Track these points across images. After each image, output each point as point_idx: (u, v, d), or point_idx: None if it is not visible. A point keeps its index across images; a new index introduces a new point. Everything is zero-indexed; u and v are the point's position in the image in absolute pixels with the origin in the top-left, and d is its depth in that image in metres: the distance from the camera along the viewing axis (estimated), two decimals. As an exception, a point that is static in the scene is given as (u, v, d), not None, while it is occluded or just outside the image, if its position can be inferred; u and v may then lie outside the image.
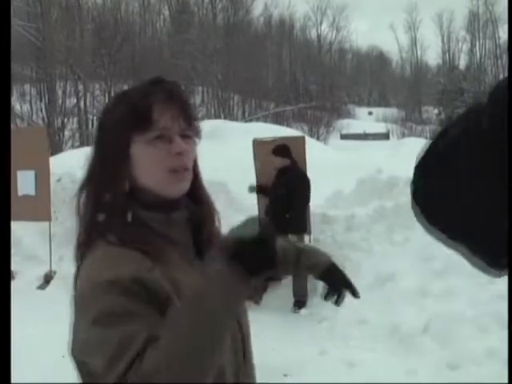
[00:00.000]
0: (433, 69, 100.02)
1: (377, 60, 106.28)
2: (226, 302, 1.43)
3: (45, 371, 6.13)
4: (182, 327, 1.40)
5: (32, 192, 10.08)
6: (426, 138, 52.97)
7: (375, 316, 7.20)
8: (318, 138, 49.82)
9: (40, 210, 10.01)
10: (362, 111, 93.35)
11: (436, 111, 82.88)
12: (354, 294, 2.18)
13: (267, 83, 72.30)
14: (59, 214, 10.99)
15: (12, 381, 2.86)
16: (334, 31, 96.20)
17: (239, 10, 74.97)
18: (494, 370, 5.49)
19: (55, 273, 9.96)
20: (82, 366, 1.68)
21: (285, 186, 8.44)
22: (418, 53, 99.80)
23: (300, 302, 8.40)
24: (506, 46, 67.59)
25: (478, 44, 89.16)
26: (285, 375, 6.06)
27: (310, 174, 9.14)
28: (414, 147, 13.65)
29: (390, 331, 6.83)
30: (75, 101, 49.25)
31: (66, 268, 10.04)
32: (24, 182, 10.02)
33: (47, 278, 9.89)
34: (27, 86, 54.72)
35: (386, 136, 67.44)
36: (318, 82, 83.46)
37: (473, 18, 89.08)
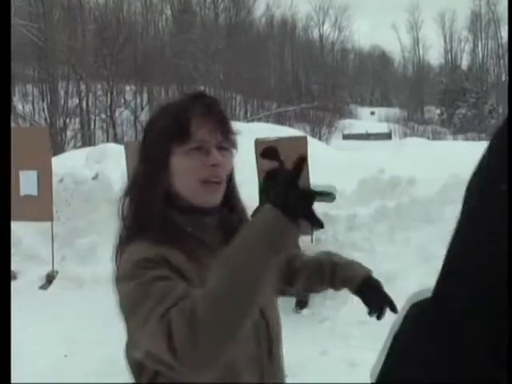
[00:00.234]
0: (435, 69, 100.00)
1: (379, 60, 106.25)
2: (268, 239, 1.45)
3: (46, 371, 6.14)
4: (228, 264, 1.47)
5: (34, 192, 10.08)
6: (428, 138, 52.99)
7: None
8: (320, 138, 49.81)
9: (42, 210, 10.01)
10: (364, 111, 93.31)
11: (438, 111, 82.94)
12: (393, 309, 2.16)
13: (269, 83, 72.33)
14: (61, 214, 11.00)
15: (12, 381, 2.86)
16: (336, 31, 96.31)
17: (241, 10, 74.96)
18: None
19: (57, 273, 9.96)
20: (135, 363, 1.86)
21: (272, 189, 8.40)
22: (420, 52, 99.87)
23: (302, 302, 8.40)
24: (508, 46, 67.71)
25: (480, 44, 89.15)
26: (286, 375, 6.06)
27: (312, 174, 9.13)
28: (416, 147, 13.67)
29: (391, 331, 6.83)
30: (77, 101, 49.32)
31: (68, 268, 10.06)
32: (26, 182, 10.03)
33: (49, 278, 9.90)
34: (29, 86, 54.80)
35: (388, 136, 67.39)
36: (320, 82, 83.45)
37: (475, 17, 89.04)
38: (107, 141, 41.99)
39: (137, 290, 1.61)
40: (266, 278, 1.47)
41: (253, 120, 53.47)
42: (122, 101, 57.00)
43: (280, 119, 62.36)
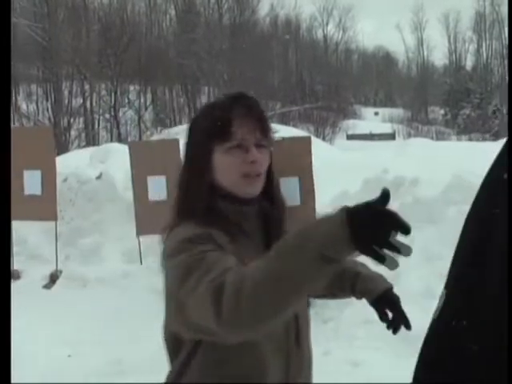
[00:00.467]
0: (439, 69, 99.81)
1: (383, 60, 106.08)
2: (324, 245, 1.49)
3: (49, 371, 6.15)
4: (285, 254, 1.56)
5: (38, 192, 10.09)
6: (432, 138, 52.90)
7: (380, 316, 7.19)
8: (324, 139, 49.76)
9: (46, 209, 10.02)
10: (368, 111, 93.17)
11: (442, 112, 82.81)
12: (407, 325, 2.26)
13: (273, 83, 72.29)
14: (65, 214, 11.01)
15: (17, 381, 2.86)
16: (341, 32, 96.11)
17: (245, 10, 74.91)
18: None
19: (61, 272, 9.97)
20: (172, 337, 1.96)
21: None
22: (425, 53, 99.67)
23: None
24: (508, 46, 67.54)
25: (484, 44, 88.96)
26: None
27: (315, 174, 9.12)
28: (420, 148, 13.65)
29: (395, 332, 6.82)
30: (81, 101, 49.32)
31: (72, 267, 10.07)
32: (30, 182, 10.04)
33: (53, 278, 9.90)
34: (33, 86, 54.84)
35: (392, 136, 67.28)
36: (324, 82, 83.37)
37: (479, 18, 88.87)
38: (111, 140, 42.05)
39: (187, 261, 1.76)
40: (312, 281, 1.56)
41: (257, 120, 53.27)
42: (126, 100, 56.96)
43: (284, 119, 62.29)
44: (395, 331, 2.26)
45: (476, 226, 1.11)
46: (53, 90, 50.00)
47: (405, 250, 1.59)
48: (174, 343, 1.99)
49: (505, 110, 69.30)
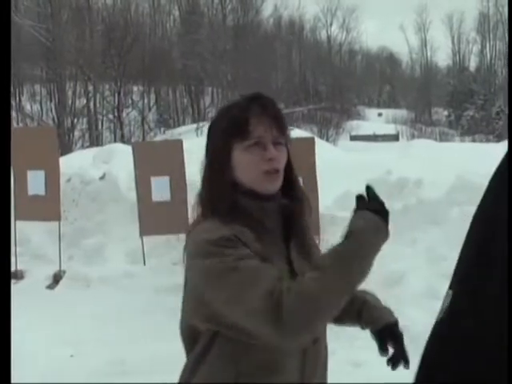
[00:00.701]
0: (443, 70, 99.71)
1: (386, 61, 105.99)
2: (376, 243, 1.97)
3: (52, 371, 6.15)
4: (343, 254, 1.88)
5: (41, 192, 10.10)
6: (436, 139, 52.80)
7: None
8: (327, 140, 49.73)
9: (49, 209, 10.03)
10: (372, 112, 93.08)
11: (446, 113, 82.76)
12: (406, 363, 2.29)
13: (277, 84, 72.28)
14: (69, 214, 11.02)
15: (21, 380, 2.87)
16: (344, 32, 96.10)
17: (249, 10, 74.94)
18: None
19: (64, 272, 9.98)
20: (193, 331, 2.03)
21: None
22: (428, 54, 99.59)
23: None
24: (508, 46, 67.45)
25: (488, 45, 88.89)
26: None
27: (319, 175, 9.12)
28: (424, 149, 13.62)
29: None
30: (85, 101, 49.37)
31: (75, 268, 10.07)
32: (34, 182, 10.04)
33: (56, 278, 9.91)
34: (37, 87, 54.93)
35: (395, 137, 67.19)
36: (327, 83, 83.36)
37: (483, 19, 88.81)
38: (114, 141, 42.04)
39: (219, 267, 1.85)
40: (362, 281, 1.90)
41: (260, 121, 53.22)
42: (130, 101, 57.03)
43: (287, 120, 62.14)
44: (394, 367, 2.28)
45: (482, 227, 1.12)
46: (56, 90, 50.08)
47: None
48: (190, 336, 2.06)
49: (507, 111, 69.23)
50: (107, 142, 42.13)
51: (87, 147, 34.65)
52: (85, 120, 48.63)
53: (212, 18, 72.24)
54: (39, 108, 52.47)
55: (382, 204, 2.02)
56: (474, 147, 18.58)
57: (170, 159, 9.64)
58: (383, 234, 1.98)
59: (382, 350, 2.31)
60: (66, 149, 33.50)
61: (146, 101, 60.22)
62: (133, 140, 43.85)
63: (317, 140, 11.15)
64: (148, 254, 10.01)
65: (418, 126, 78.61)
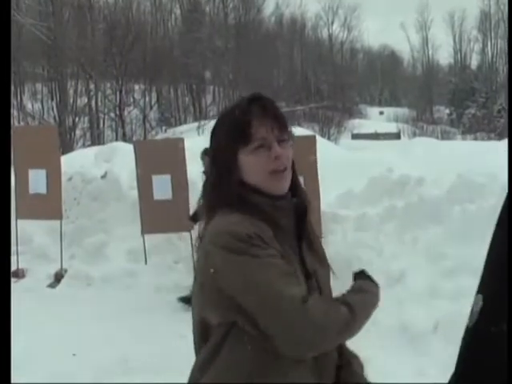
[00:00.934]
0: (444, 68, 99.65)
1: (388, 59, 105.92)
2: (376, 304, 2.12)
3: (54, 370, 6.15)
4: (366, 306, 2.06)
5: (43, 191, 10.10)
6: (438, 137, 52.76)
7: (385, 315, 7.17)
8: (329, 138, 49.64)
9: (51, 208, 10.03)
10: (373, 111, 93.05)
11: (447, 111, 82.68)
12: None
13: (278, 83, 72.29)
14: (70, 213, 11.02)
15: (22, 380, 2.87)
16: (346, 31, 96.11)
17: (250, 9, 74.94)
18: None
19: (66, 271, 9.98)
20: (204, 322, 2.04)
21: None
22: (430, 52, 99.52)
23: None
24: (507, 46, 67.32)
25: (489, 44, 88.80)
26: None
27: (321, 173, 9.11)
28: (425, 147, 13.58)
29: (399, 331, 6.82)
30: (86, 100, 49.36)
31: (77, 266, 10.08)
32: (35, 181, 10.05)
33: (58, 277, 9.91)
34: (39, 85, 54.92)
35: (397, 136, 67.09)
36: (329, 81, 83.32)
37: (484, 17, 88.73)
38: (116, 140, 42.04)
39: (253, 266, 1.89)
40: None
41: (262, 119, 53.09)
42: (131, 100, 56.99)
43: (289, 119, 61.97)
44: None
45: (506, 230, 1.12)
46: (58, 89, 50.08)
47: None
48: (202, 331, 2.06)
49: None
50: (109, 140, 42.10)
51: (88, 146, 34.68)
52: (86, 119, 48.60)
53: (213, 17, 72.26)
54: (40, 107, 52.46)
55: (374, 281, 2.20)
56: (476, 145, 18.59)
57: (171, 158, 9.65)
58: (378, 302, 2.15)
59: None
60: (68, 147, 33.49)
61: (147, 99, 60.23)
62: (134, 138, 43.79)
63: (318, 138, 11.15)
64: (149, 253, 10.01)
65: (420, 124, 78.51)
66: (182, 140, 10.31)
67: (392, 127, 74.78)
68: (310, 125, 60.49)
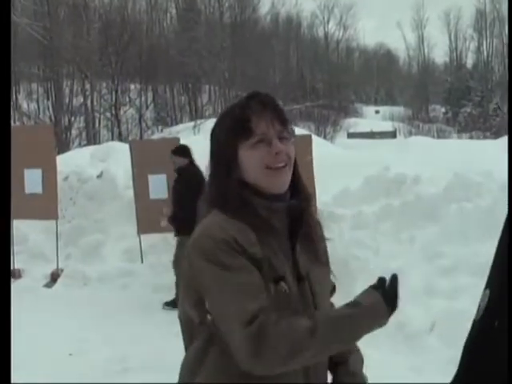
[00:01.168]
0: (440, 67, 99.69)
1: (384, 58, 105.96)
2: (372, 325, 1.94)
3: (51, 369, 6.14)
4: (341, 326, 1.91)
5: (39, 190, 10.09)
6: (433, 136, 52.86)
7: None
8: (325, 137, 49.68)
9: (47, 208, 10.02)
10: (369, 110, 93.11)
11: (443, 110, 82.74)
12: None
13: (274, 81, 72.20)
14: (66, 213, 11.01)
15: (16, 380, 2.85)
16: (341, 29, 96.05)
17: (246, 8, 74.89)
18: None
19: (62, 271, 9.98)
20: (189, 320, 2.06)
21: (180, 186, 8.42)
22: (425, 51, 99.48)
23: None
24: (508, 46, 67.33)
25: (485, 42, 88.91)
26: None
27: (316, 172, 9.11)
28: (421, 146, 13.59)
29: (395, 329, 6.82)
30: (82, 99, 49.24)
31: (73, 266, 10.07)
32: (31, 181, 10.04)
33: (54, 276, 9.91)
34: (34, 85, 54.89)
35: (393, 135, 67.18)
36: (324, 80, 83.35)
37: (480, 16, 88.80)
38: (112, 139, 42.01)
39: (216, 276, 1.89)
40: (341, 349, 2.07)
41: (257, 118, 53.05)
42: (127, 99, 56.95)
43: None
44: None
45: None
46: (53, 88, 49.99)
47: None
48: (188, 327, 2.08)
49: (505, 108, 69.26)
50: (104, 140, 42.07)
51: (84, 145, 34.62)
52: (82, 118, 48.52)
53: (209, 16, 72.19)
54: (36, 106, 52.42)
55: (395, 296, 1.98)
56: (472, 144, 18.61)
57: (167, 157, 9.64)
58: (382, 322, 1.97)
59: None
60: (64, 147, 33.45)
61: (143, 99, 60.17)
62: (130, 138, 43.80)
63: (314, 137, 11.16)
64: (146, 252, 10.01)
65: (416, 123, 78.58)
66: (177, 139, 10.32)
67: (388, 126, 74.87)
68: (306, 124, 60.56)
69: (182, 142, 9.94)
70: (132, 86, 57.92)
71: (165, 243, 10.08)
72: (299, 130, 22.17)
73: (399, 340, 6.73)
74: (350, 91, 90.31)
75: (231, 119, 2.07)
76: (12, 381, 2.71)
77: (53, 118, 45.25)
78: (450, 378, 1.41)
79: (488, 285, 1.21)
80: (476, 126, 67.68)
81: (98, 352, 6.68)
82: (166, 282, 9.04)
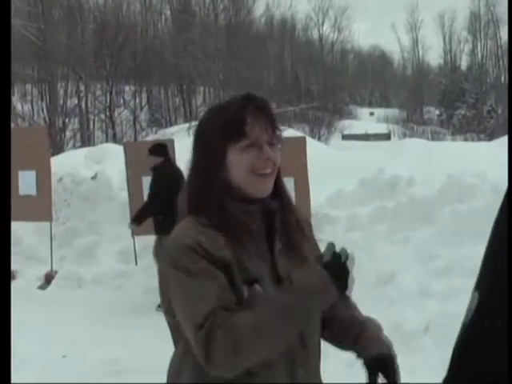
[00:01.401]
0: (434, 69, 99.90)
1: (378, 60, 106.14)
2: (318, 301, 1.84)
3: (44, 371, 6.13)
4: (279, 305, 1.82)
5: (33, 192, 10.08)
6: (428, 138, 52.88)
7: (376, 316, 7.17)
8: (319, 139, 49.74)
9: (41, 210, 10.01)
10: (364, 112, 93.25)
11: (437, 112, 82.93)
12: None
13: (269, 83, 72.21)
14: (60, 214, 11.00)
15: (12, 381, 2.85)
16: (336, 31, 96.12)
17: (241, 10, 74.86)
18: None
19: (56, 273, 9.96)
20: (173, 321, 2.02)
21: (154, 185, 8.44)
22: (420, 53, 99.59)
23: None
24: (508, 46, 67.57)
25: (479, 45, 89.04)
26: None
27: (311, 174, 9.11)
28: (416, 148, 13.61)
29: (390, 331, 6.81)
30: (76, 101, 49.23)
31: (67, 268, 10.06)
32: (25, 182, 10.02)
33: (48, 278, 9.90)
34: (28, 86, 54.74)
35: (387, 137, 67.33)
36: (319, 82, 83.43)
37: (474, 18, 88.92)
38: (106, 141, 41.92)
39: (180, 282, 1.89)
40: (298, 331, 1.92)
41: (252, 120, 53.06)
42: (122, 101, 56.91)
43: (279, 119, 62.01)
44: None
45: (505, 228, 1.13)
46: (48, 90, 49.96)
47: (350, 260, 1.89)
48: (172, 329, 2.07)
49: (500, 110, 69.42)
50: (99, 141, 41.98)
51: (79, 147, 34.56)
52: (76, 120, 48.49)
53: (204, 18, 72.17)
54: (30, 108, 52.24)
55: (340, 267, 1.83)
56: (466, 146, 18.62)
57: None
58: (329, 298, 1.83)
59: (370, 381, 2.22)
60: (58, 149, 33.44)
61: (137, 100, 60.11)
62: (125, 140, 43.75)
63: (308, 139, 11.16)
64: (140, 254, 10.01)
65: (410, 125, 78.73)
66: (172, 141, 10.30)
67: (382, 128, 75.03)
68: (301, 125, 60.57)
69: (177, 143, 9.93)
70: (126, 88, 57.86)
71: (159, 245, 10.09)
72: (294, 132, 22.18)
73: (394, 341, 6.73)
74: (345, 93, 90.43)
75: (225, 119, 2.01)
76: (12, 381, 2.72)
77: (47, 120, 45.17)
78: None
79: (477, 286, 1.22)
80: (470, 128, 67.85)
81: (92, 354, 6.67)
82: (161, 284, 9.03)
